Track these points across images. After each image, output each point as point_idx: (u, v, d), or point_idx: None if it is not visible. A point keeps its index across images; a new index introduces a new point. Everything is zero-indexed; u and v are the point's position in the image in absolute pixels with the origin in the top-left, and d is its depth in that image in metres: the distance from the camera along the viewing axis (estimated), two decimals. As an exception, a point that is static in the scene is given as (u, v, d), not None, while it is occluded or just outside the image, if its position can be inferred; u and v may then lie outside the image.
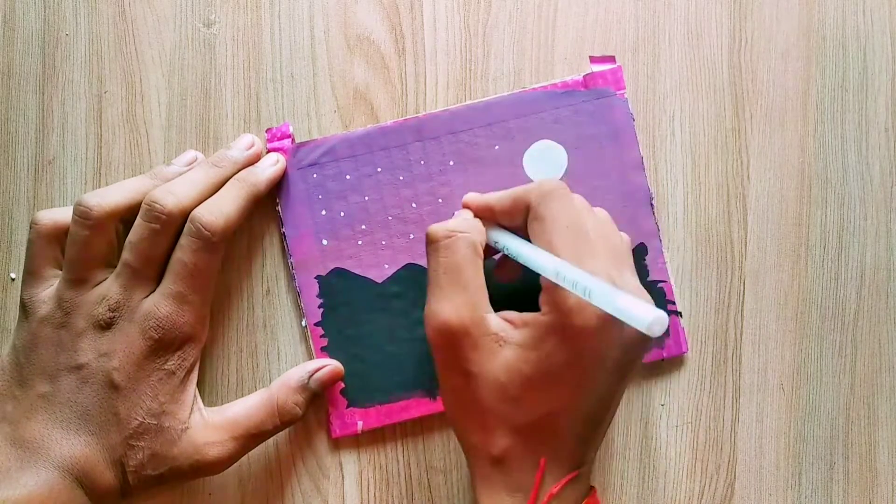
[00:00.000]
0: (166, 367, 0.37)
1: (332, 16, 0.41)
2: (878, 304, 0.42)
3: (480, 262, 0.35)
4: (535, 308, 0.34)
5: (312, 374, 0.39)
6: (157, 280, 0.37)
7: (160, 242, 0.37)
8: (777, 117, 0.42)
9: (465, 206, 0.38)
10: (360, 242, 0.40)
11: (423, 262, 0.40)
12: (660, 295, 0.41)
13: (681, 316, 0.41)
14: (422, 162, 0.40)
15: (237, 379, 0.41)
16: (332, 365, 0.40)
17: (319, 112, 0.41)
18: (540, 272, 0.33)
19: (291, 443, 0.41)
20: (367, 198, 0.41)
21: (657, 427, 0.41)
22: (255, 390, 0.40)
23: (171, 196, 0.37)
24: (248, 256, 0.41)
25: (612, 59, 0.41)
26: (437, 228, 0.35)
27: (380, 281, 0.40)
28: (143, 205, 0.37)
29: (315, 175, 0.40)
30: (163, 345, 0.37)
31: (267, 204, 0.41)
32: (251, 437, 0.38)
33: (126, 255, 0.37)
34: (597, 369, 0.33)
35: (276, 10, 0.41)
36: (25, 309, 0.38)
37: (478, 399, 0.34)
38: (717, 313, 0.42)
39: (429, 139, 0.41)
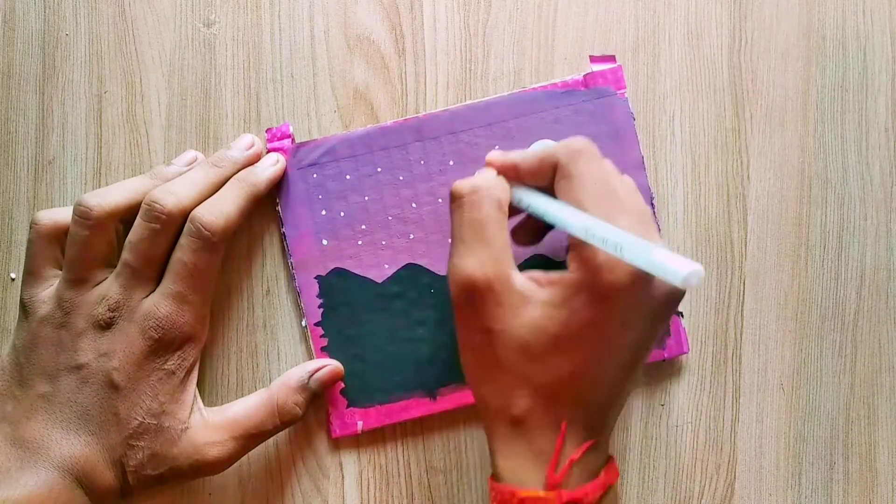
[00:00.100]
0: (166, 366, 0.37)
1: (332, 16, 0.41)
2: (878, 304, 0.42)
3: (505, 220, 0.35)
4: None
5: (312, 374, 0.39)
6: (157, 280, 0.37)
7: (160, 242, 0.37)
8: (777, 117, 0.42)
9: (489, 165, 0.37)
10: (360, 242, 0.40)
11: (423, 262, 0.40)
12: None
13: (682, 316, 0.41)
14: (422, 162, 0.40)
15: (237, 379, 0.41)
16: (332, 365, 0.40)
17: (319, 112, 0.41)
18: (568, 230, 0.32)
19: (291, 443, 0.41)
20: (367, 198, 0.41)
21: (657, 427, 0.41)
22: (255, 390, 0.40)
23: (171, 196, 0.37)
24: (248, 256, 0.41)
25: (612, 58, 0.41)
26: (461, 184, 0.35)
27: (380, 281, 0.40)
28: (143, 205, 0.37)
29: (315, 175, 0.40)
30: (163, 345, 0.37)
31: (267, 204, 0.41)
32: (251, 437, 0.38)
33: (126, 255, 0.37)
34: (623, 329, 0.32)
35: (276, 10, 0.41)
36: (25, 309, 0.38)
37: (499, 357, 0.33)
38: (717, 313, 0.42)
39: (429, 139, 0.40)
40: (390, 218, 0.41)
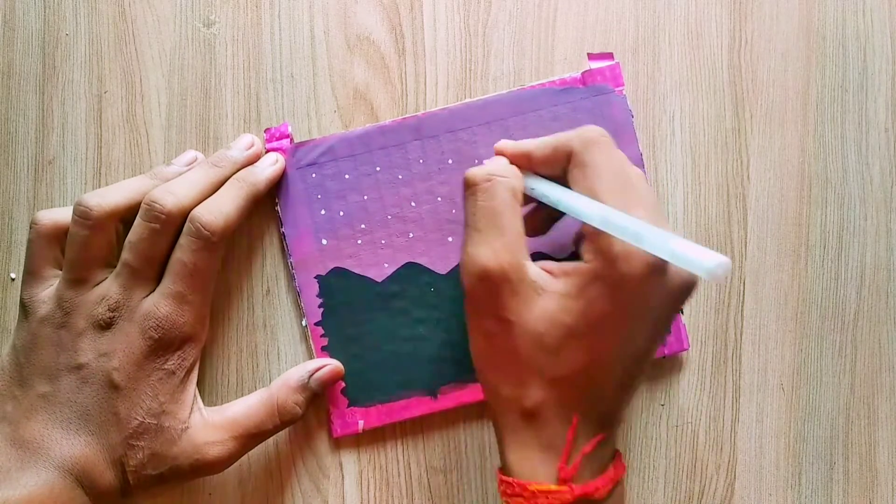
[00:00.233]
0: (166, 366, 0.37)
1: (332, 16, 0.41)
2: (878, 304, 0.42)
3: (519, 208, 0.34)
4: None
5: (313, 374, 0.39)
6: (157, 280, 0.37)
7: (160, 242, 0.37)
8: (777, 117, 0.42)
9: (499, 153, 0.37)
10: (359, 242, 0.40)
11: (422, 260, 0.40)
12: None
13: (682, 312, 0.41)
14: (421, 161, 0.41)
15: (237, 379, 0.41)
16: (332, 364, 0.40)
17: (319, 112, 0.41)
18: (583, 219, 0.32)
19: (291, 443, 0.41)
20: (366, 197, 0.41)
21: (657, 427, 0.41)
22: (255, 390, 0.40)
23: (171, 196, 0.37)
24: (248, 256, 0.41)
25: (610, 55, 0.41)
26: (475, 171, 0.35)
27: (379, 280, 0.40)
28: (142, 205, 0.37)
29: (314, 175, 0.40)
30: (163, 345, 0.37)
31: (266, 203, 0.41)
32: (251, 437, 0.38)
33: (126, 254, 0.37)
34: (637, 320, 0.32)
35: (276, 10, 0.41)
36: (25, 309, 0.38)
37: (513, 348, 0.33)
38: (717, 313, 0.42)
39: (427, 138, 0.41)
40: (389, 217, 0.41)
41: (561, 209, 0.34)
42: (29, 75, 0.42)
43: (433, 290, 0.40)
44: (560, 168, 0.35)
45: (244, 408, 0.38)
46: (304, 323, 0.41)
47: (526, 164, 0.36)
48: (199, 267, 0.37)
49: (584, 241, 0.33)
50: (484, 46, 0.42)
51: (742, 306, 0.42)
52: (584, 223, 0.32)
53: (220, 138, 0.41)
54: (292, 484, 0.41)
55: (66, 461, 0.36)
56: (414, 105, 0.41)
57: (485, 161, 0.38)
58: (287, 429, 0.40)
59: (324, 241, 0.40)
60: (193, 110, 0.41)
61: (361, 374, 0.40)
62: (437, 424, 0.41)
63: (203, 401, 0.39)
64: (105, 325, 0.37)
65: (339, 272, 0.40)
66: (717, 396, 0.42)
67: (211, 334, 0.40)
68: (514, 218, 0.34)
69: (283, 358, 0.41)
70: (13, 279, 0.42)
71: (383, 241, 0.41)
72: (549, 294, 0.33)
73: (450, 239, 0.40)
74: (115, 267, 0.38)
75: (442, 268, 0.40)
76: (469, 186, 0.35)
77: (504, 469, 0.34)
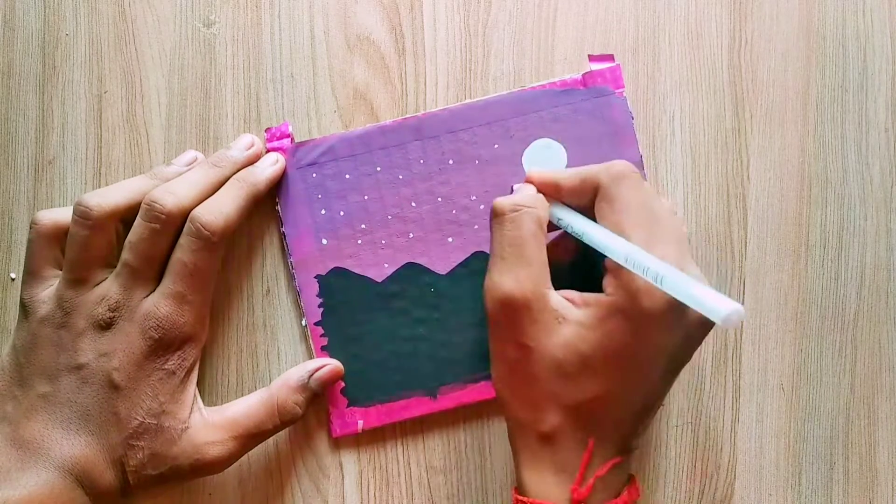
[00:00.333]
0: (166, 366, 0.37)
1: (332, 16, 0.41)
2: (878, 304, 0.42)
3: (544, 238, 0.35)
4: (586, 290, 0.34)
5: (313, 374, 0.39)
6: (157, 280, 0.37)
7: (160, 242, 0.37)
8: (777, 117, 0.42)
9: (528, 181, 0.38)
10: (359, 242, 0.40)
11: (422, 260, 0.40)
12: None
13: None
14: (421, 161, 0.41)
15: (237, 379, 0.41)
16: (332, 364, 0.40)
17: (319, 112, 0.41)
18: (608, 254, 0.33)
19: (291, 443, 0.41)
20: (366, 197, 0.41)
21: (657, 427, 0.41)
22: (255, 390, 0.40)
23: (171, 196, 0.37)
24: (248, 256, 0.41)
25: (610, 57, 0.41)
26: (503, 202, 0.35)
27: (379, 280, 0.40)
28: (142, 205, 0.37)
29: (314, 174, 0.40)
30: (163, 345, 0.37)
31: (266, 203, 0.41)
32: (251, 437, 0.38)
33: (126, 255, 0.37)
34: (657, 353, 0.33)
35: (276, 10, 0.41)
36: (25, 309, 0.38)
37: (532, 374, 0.34)
38: (717, 313, 0.42)
39: (428, 138, 0.41)
40: (390, 217, 0.41)
41: (586, 241, 0.34)
42: (29, 75, 0.42)
43: (433, 291, 0.40)
44: (588, 199, 0.35)
45: (244, 408, 0.38)
46: (304, 323, 0.41)
47: (553, 193, 0.37)
48: (199, 267, 0.37)
49: (607, 273, 0.33)
50: (484, 46, 0.41)
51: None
52: (608, 257, 0.33)
53: (220, 138, 0.41)
54: (292, 484, 0.41)
55: (66, 461, 0.36)
56: (414, 105, 0.41)
57: (513, 186, 0.38)
58: (287, 429, 0.40)
59: (324, 241, 0.40)
60: (193, 110, 0.41)
61: (361, 373, 0.40)
62: (437, 424, 0.41)
63: (203, 401, 0.39)
64: (105, 325, 0.37)
65: (339, 272, 0.40)
66: (716, 396, 0.42)
67: (211, 334, 0.40)
68: (538, 248, 0.35)
69: (283, 358, 0.41)
70: (13, 279, 0.42)
71: (383, 241, 0.41)
72: (569, 323, 0.33)
73: (450, 239, 0.40)
74: (115, 267, 0.38)
75: (442, 268, 0.40)
76: (497, 216, 0.35)
77: (519, 489, 0.35)
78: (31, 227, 0.38)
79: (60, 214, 0.38)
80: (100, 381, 0.36)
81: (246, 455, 0.39)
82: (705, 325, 0.34)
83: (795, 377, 0.42)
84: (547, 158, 0.40)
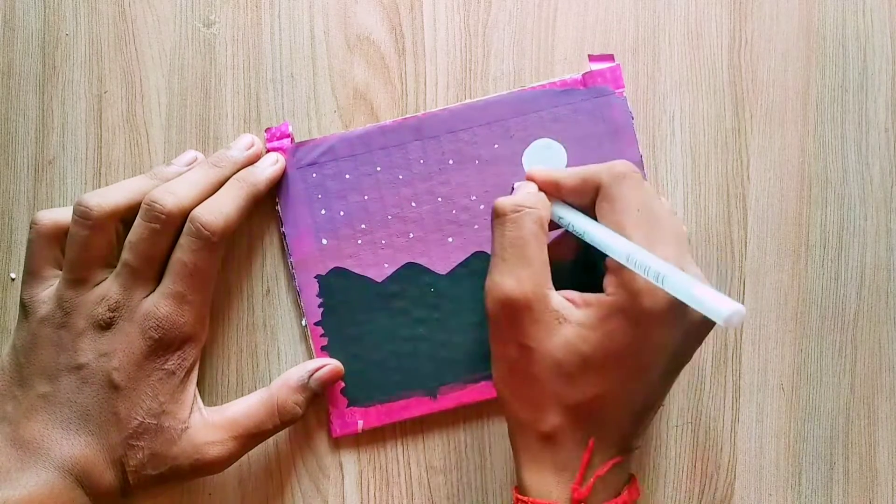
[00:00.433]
0: (166, 366, 0.37)
1: (332, 16, 0.41)
2: (878, 304, 0.42)
3: (545, 238, 0.35)
4: (587, 288, 0.34)
5: (313, 374, 0.39)
6: (157, 280, 0.37)
7: (160, 242, 0.37)
8: (777, 117, 0.42)
9: (529, 179, 0.38)
10: (359, 242, 0.41)
11: (422, 261, 0.40)
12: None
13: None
14: (421, 161, 0.41)
15: (237, 379, 0.41)
16: (332, 364, 0.40)
17: (319, 112, 0.41)
18: (609, 253, 0.33)
19: (291, 443, 0.41)
20: (366, 197, 0.41)
21: (657, 427, 0.41)
22: (255, 390, 0.40)
23: (171, 196, 0.37)
24: (248, 256, 0.41)
25: (610, 57, 0.41)
26: (504, 202, 0.35)
27: (379, 280, 0.40)
28: (142, 205, 0.37)
29: (314, 174, 0.40)
30: (163, 345, 0.37)
31: (266, 203, 0.41)
32: (251, 437, 0.38)
33: (126, 254, 0.37)
34: (658, 353, 0.33)
35: (276, 10, 0.41)
36: (25, 309, 0.38)
37: (532, 374, 0.34)
38: (717, 313, 0.42)
39: (428, 138, 0.41)
40: (390, 217, 0.41)
41: (587, 241, 0.34)
42: (29, 75, 0.42)
43: (433, 291, 0.40)
44: (589, 199, 0.35)
45: (244, 408, 0.38)
46: (303, 323, 0.41)
47: (554, 191, 0.37)
48: (199, 267, 0.37)
49: (608, 273, 0.33)
50: (484, 46, 0.41)
51: (742, 306, 0.42)
52: (608, 256, 0.33)
53: (220, 138, 0.41)
54: (292, 484, 0.41)
55: (66, 461, 0.36)
56: (414, 105, 0.41)
57: (514, 184, 0.38)
58: (287, 429, 0.40)
59: (324, 241, 0.40)
60: (193, 110, 0.41)
61: (361, 373, 0.40)
62: (437, 424, 0.41)
63: (203, 401, 0.39)
64: (105, 326, 0.37)
65: (339, 272, 0.40)
66: (716, 396, 0.42)
67: (211, 334, 0.40)
68: (539, 248, 0.35)
69: (283, 358, 0.41)
70: (13, 279, 0.42)
71: (383, 241, 0.41)
72: (569, 323, 0.33)
73: (450, 239, 0.40)
74: (115, 267, 0.38)
75: (442, 268, 0.40)
76: (498, 216, 0.35)
77: (520, 488, 0.35)
78: (31, 227, 0.38)
79: (60, 214, 0.38)
80: (100, 381, 0.36)
81: (246, 455, 0.39)
82: (706, 325, 0.33)
83: (795, 377, 0.42)
84: (547, 158, 0.40)
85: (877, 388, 0.42)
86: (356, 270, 0.40)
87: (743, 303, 0.41)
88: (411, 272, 0.40)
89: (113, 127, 0.42)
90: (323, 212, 0.40)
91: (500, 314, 0.34)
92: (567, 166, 0.40)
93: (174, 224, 0.37)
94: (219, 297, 0.41)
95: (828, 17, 0.42)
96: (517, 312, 0.34)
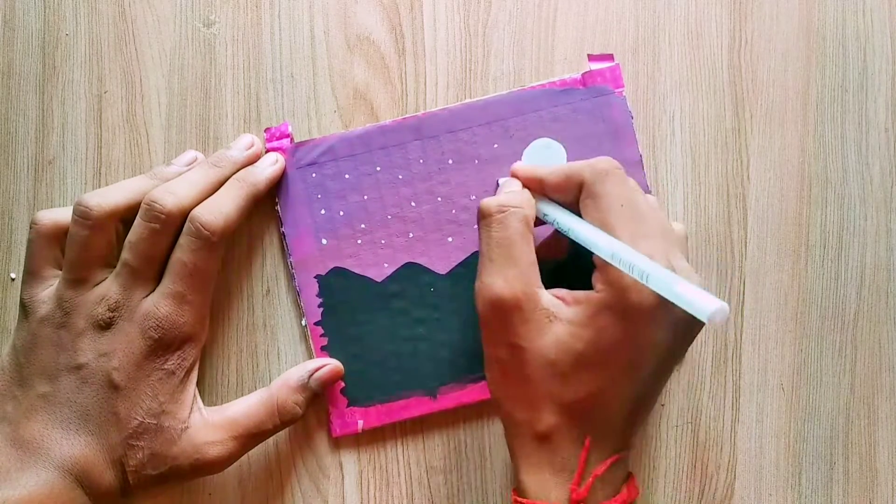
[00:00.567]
0: (166, 366, 0.37)
1: (332, 16, 0.41)
2: (878, 304, 0.42)
3: (531, 237, 0.35)
4: (580, 286, 0.34)
5: (313, 374, 0.39)
6: (157, 280, 0.37)
7: (160, 242, 0.37)
8: (777, 117, 0.42)
9: (513, 175, 0.38)
10: (359, 241, 0.41)
11: (422, 260, 0.40)
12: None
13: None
14: (421, 161, 0.41)
15: (237, 379, 0.41)
16: (332, 364, 0.40)
17: (319, 112, 0.41)
18: (594, 251, 0.33)
19: (291, 443, 0.41)
20: (366, 197, 0.41)
21: (657, 427, 0.41)
22: (255, 390, 0.40)
23: (171, 196, 0.37)
24: (248, 256, 0.41)
25: (610, 57, 0.41)
26: (489, 203, 0.35)
27: (379, 280, 0.40)
28: (142, 205, 0.37)
29: (314, 174, 0.40)
30: (162, 345, 0.37)
31: (266, 203, 0.41)
32: (251, 437, 0.38)
33: (126, 254, 0.37)
34: (649, 349, 0.33)
35: (276, 10, 0.41)
36: (25, 309, 0.38)
37: (526, 375, 0.34)
38: (717, 313, 0.42)
39: (428, 138, 0.41)
40: (389, 217, 0.41)
41: (572, 238, 0.34)
42: (29, 75, 0.42)
43: (433, 290, 0.40)
44: (572, 196, 0.35)
45: (244, 408, 0.38)
46: (303, 323, 0.41)
47: (538, 188, 0.37)
48: (199, 267, 0.37)
49: (596, 270, 0.33)
50: (484, 46, 0.42)
51: (742, 306, 0.42)
52: (595, 254, 0.33)
53: (220, 138, 0.41)
54: (292, 484, 0.41)
55: (66, 461, 0.36)
56: (414, 105, 0.41)
57: (498, 180, 0.38)
58: (287, 429, 0.40)
59: (324, 241, 0.40)
60: (193, 110, 0.41)
61: (361, 373, 0.40)
62: (437, 424, 0.41)
63: (203, 401, 0.39)
64: (105, 325, 0.37)
65: (339, 272, 0.40)
66: (717, 396, 0.41)
67: (211, 334, 0.40)
68: (526, 247, 0.35)
69: (283, 358, 0.41)
70: (13, 279, 0.42)
71: (383, 241, 0.41)
72: (560, 321, 0.33)
73: (450, 239, 0.40)
74: (115, 267, 0.38)
75: (442, 268, 0.40)
76: (483, 217, 0.35)
77: (518, 490, 0.35)
78: (31, 227, 0.38)
79: (60, 214, 0.38)
80: (99, 381, 0.36)
81: (246, 455, 0.39)
82: (696, 324, 0.34)
83: (795, 377, 0.42)
84: (547, 158, 0.40)
85: (877, 388, 0.42)
86: (356, 270, 0.40)
87: (743, 303, 0.41)
88: (411, 272, 0.40)
89: (113, 127, 0.42)
90: (323, 212, 0.40)
91: (491, 315, 0.34)
92: (567, 166, 0.41)
93: (174, 224, 0.37)
94: (219, 297, 0.41)
95: (828, 17, 0.42)
96: (507, 313, 0.34)
